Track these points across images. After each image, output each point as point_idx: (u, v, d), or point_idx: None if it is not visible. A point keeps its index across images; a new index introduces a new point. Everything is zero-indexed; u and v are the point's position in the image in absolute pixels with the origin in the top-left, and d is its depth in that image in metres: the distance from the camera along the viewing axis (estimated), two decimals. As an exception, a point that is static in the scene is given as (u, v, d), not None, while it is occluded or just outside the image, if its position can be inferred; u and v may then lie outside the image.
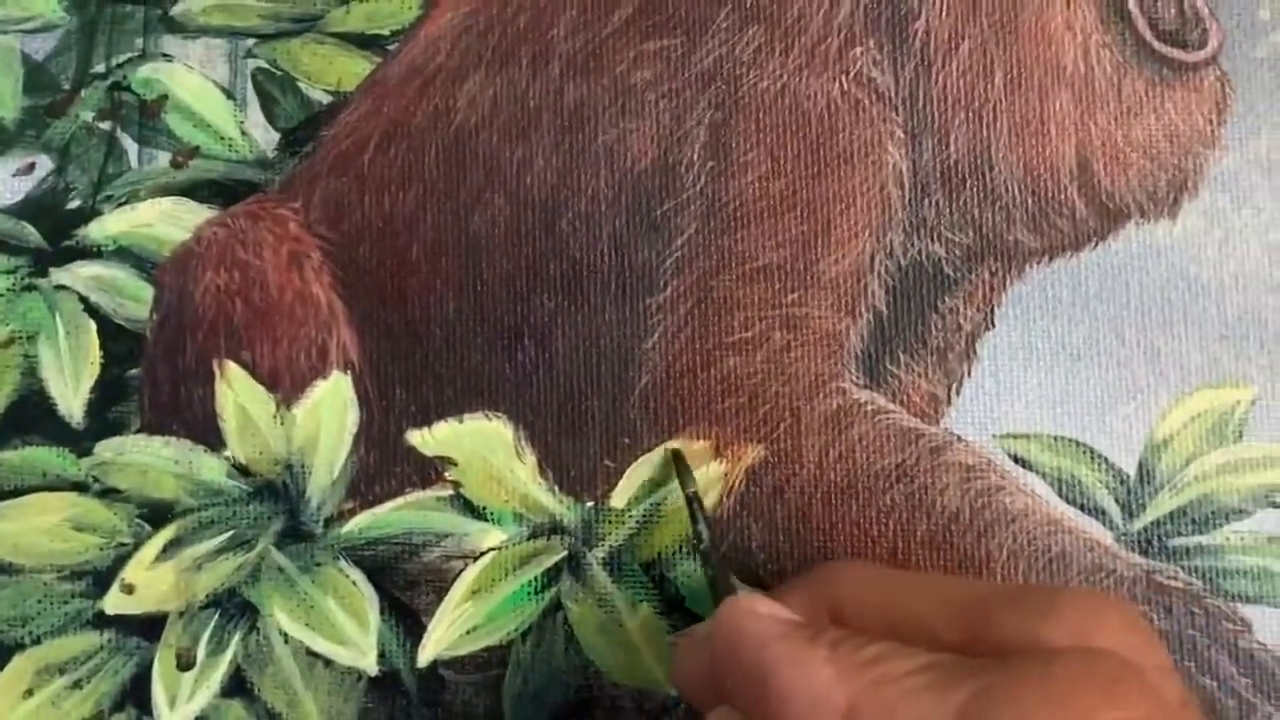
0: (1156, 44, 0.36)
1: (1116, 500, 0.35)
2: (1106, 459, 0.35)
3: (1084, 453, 0.35)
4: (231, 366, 0.35)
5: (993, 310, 0.36)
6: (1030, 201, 0.36)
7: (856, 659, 0.24)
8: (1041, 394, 0.35)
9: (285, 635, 0.34)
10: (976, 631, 0.25)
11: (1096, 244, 0.36)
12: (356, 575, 0.34)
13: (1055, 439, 0.35)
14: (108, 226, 0.36)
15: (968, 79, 0.36)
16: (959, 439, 0.35)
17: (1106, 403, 0.35)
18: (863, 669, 0.24)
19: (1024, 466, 0.35)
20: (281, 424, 0.35)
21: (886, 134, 0.36)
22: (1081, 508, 0.35)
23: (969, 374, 0.36)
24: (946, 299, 0.36)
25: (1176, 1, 0.36)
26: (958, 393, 0.36)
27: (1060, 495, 0.35)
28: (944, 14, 0.36)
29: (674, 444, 0.35)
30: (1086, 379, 0.35)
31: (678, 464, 0.33)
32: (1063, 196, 0.36)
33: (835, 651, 0.25)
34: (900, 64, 0.36)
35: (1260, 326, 0.35)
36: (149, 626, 0.34)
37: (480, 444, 0.35)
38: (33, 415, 0.35)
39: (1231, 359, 0.35)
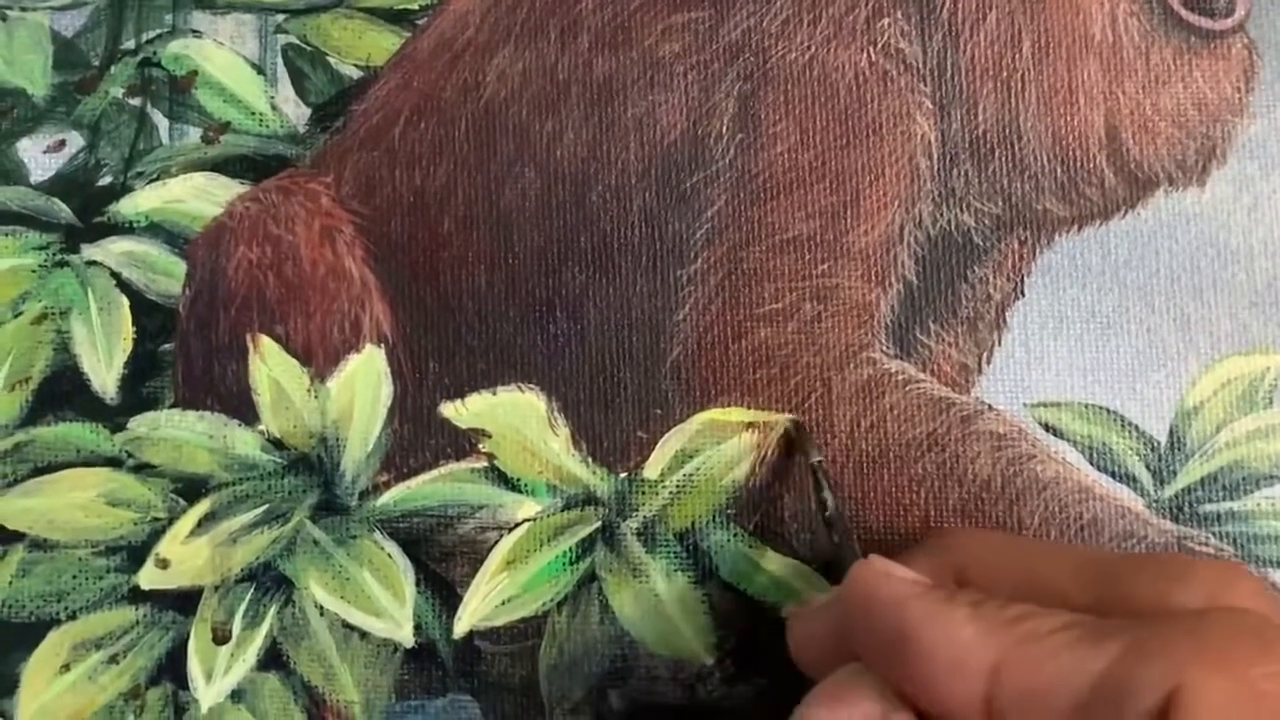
0: (1184, 12, 0.36)
1: (1147, 467, 0.35)
2: (1137, 426, 0.35)
3: (1115, 420, 0.35)
4: (265, 341, 0.35)
5: (1022, 279, 0.36)
6: (1059, 171, 0.36)
7: (1000, 617, 0.24)
8: (1072, 362, 0.35)
9: (321, 608, 0.34)
10: (1108, 593, 0.25)
11: (1126, 212, 0.36)
12: (392, 548, 0.34)
13: (1086, 407, 0.35)
14: (139, 202, 0.36)
15: (995, 49, 0.36)
16: (990, 408, 0.35)
17: (1137, 370, 0.35)
18: (1007, 627, 0.24)
19: (1055, 434, 0.35)
20: (315, 397, 0.35)
21: (915, 104, 0.36)
22: (1113, 475, 0.35)
23: (999, 343, 0.36)
24: (976, 268, 0.36)
25: (1203, -30, 0.37)
26: (988, 362, 0.36)
27: (1091, 463, 0.35)
28: (971, -16, 0.36)
29: (712, 412, 0.35)
30: (1116, 347, 0.35)
31: (799, 434, 0.33)
32: (1091, 165, 0.36)
33: (977, 610, 0.24)
34: (928, 34, 0.36)
35: (1289, 293, 0.36)
36: (184, 601, 0.34)
37: (514, 416, 0.35)
38: (66, 391, 0.35)
39: (1261, 325, 0.35)
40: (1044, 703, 0.23)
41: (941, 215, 0.36)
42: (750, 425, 0.35)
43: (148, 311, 0.36)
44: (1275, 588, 0.34)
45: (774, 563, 0.34)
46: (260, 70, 0.37)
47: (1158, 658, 0.22)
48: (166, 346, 0.36)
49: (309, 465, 0.35)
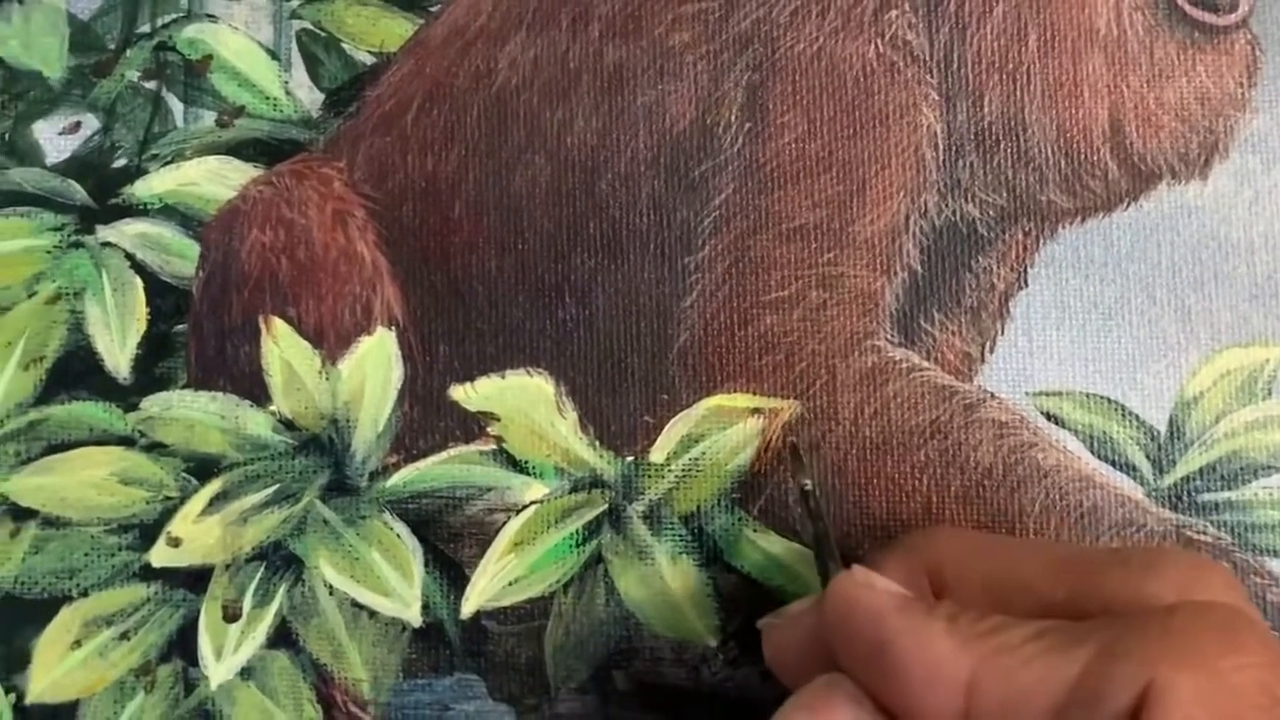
0: (1188, 7, 0.37)
1: (1147, 456, 0.35)
2: (1137, 416, 0.35)
3: (1115, 410, 0.36)
4: (277, 322, 0.36)
5: (1026, 270, 0.36)
6: (1063, 163, 0.36)
7: (974, 630, 0.25)
8: (1074, 352, 0.36)
9: (330, 587, 0.35)
10: (1080, 588, 0.26)
11: (1129, 204, 0.36)
12: (401, 528, 0.35)
13: (1087, 396, 0.36)
14: (154, 185, 0.37)
15: (1001, 42, 0.37)
16: (992, 396, 0.35)
17: (1138, 360, 0.36)
18: (981, 639, 0.24)
19: (1056, 423, 0.35)
20: (327, 379, 0.36)
21: (921, 96, 0.36)
22: (1113, 464, 0.35)
23: (1002, 332, 0.36)
24: (980, 258, 0.37)
25: (1207, -34, 0.37)
26: (991, 351, 0.36)
27: (1092, 451, 0.35)
28: (978, -22, 0.37)
29: (718, 398, 0.35)
30: (1118, 337, 0.36)
31: (794, 458, 0.33)
32: (1095, 158, 0.36)
33: (954, 624, 0.25)
34: (935, 27, 0.37)
35: (1289, 286, 0.36)
36: (195, 579, 0.35)
37: (522, 399, 0.35)
38: (80, 371, 0.36)
39: (1261, 318, 0.36)
40: (1021, 712, 0.23)
41: (946, 205, 0.36)
42: (755, 411, 0.35)
43: (161, 293, 0.36)
44: (1273, 576, 0.35)
45: (778, 546, 0.35)
46: (275, 55, 0.38)
47: (1128, 658, 0.22)
48: (180, 327, 0.36)
49: (320, 446, 0.35)
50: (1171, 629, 0.23)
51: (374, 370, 0.36)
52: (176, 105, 0.37)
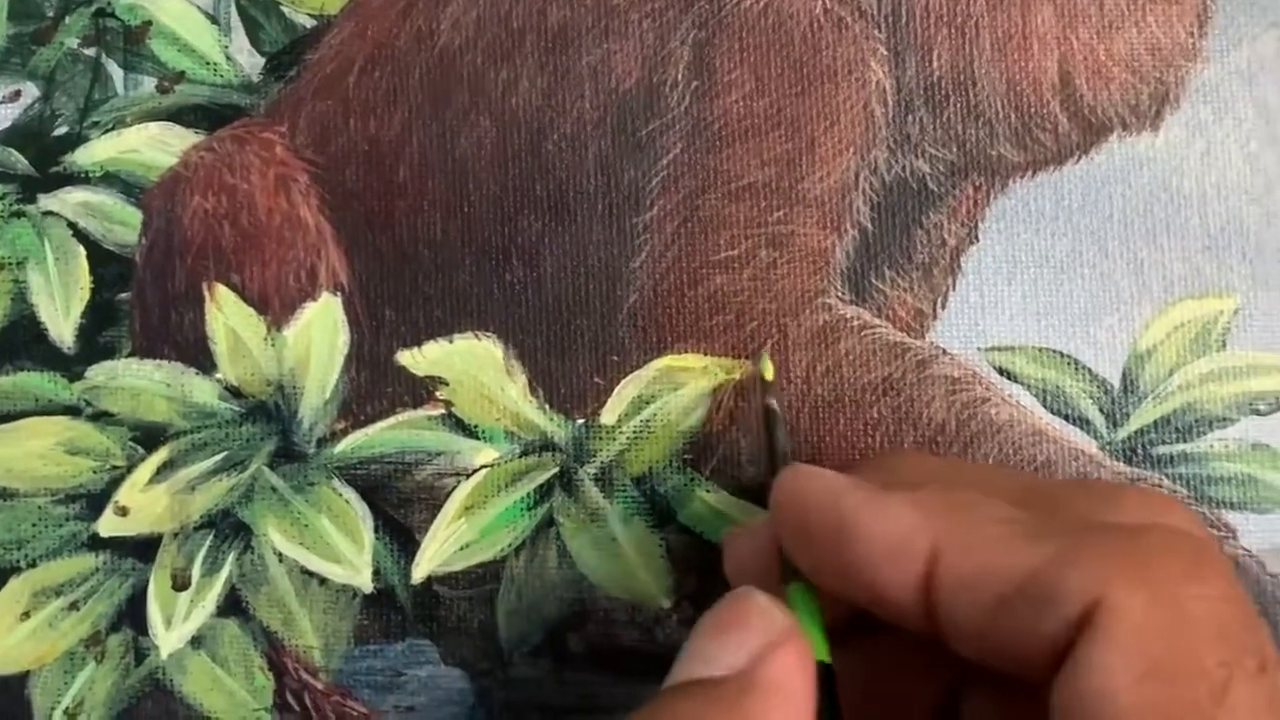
0: (1137, -43, 0.36)
1: (1101, 410, 0.35)
2: (1090, 370, 0.35)
3: (1068, 364, 0.35)
4: (221, 289, 0.36)
5: (977, 225, 0.36)
6: (1013, 116, 0.36)
7: (940, 501, 0.24)
8: (1025, 307, 0.36)
9: (280, 555, 0.34)
10: (1045, 511, 0.25)
11: (1079, 157, 0.36)
12: (350, 494, 0.35)
13: (1039, 351, 0.35)
14: (95, 152, 0.36)
15: (950, -5, 0.36)
16: (944, 352, 0.35)
17: (1090, 314, 0.36)
18: (947, 511, 0.24)
19: (1009, 378, 0.35)
20: (272, 346, 0.35)
21: (869, 51, 0.36)
22: (1066, 418, 0.35)
23: (954, 288, 0.36)
24: (931, 214, 0.36)
25: (1157, -85, 0.37)
26: (943, 307, 0.36)
27: (1045, 406, 0.35)
28: (926, -69, 0.36)
29: (668, 358, 0.35)
30: (1070, 291, 0.36)
31: (763, 381, 0.33)
32: (1045, 111, 0.36)
33: (917, 495, 0.24)
34: (883, -19, 0.36)
35: (1242, 236, 0.36)
36: (144, 548, 0.35)
37: (470, 363, 0.35)
38: (23, 340, 0.36)
39: (1214, 269, 0.36)
40: (975, 590, 0.22)
41: (896, 162, 0.36)
42: (706, 370, 0.35)
43: (104, 261, 0.36)
44: (1229, 528, 0.35)
45: (731, 505, 0.34)
46: (214, 20, 0.37)
47: (1085, 565, 0.22)
48: (123, 296, 0.36)
49: (266, 413, 0.35)
50: (1135, 546, 0.22)
51: (320, 336, 0.35)
52: (116, 72, 0.37)
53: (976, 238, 0.36)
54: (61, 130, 0.37)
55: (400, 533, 0.35)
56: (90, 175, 0.36)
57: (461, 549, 0.34)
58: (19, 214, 0.36)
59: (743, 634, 0.24)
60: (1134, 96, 0.36)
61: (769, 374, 0.33)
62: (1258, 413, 0.35)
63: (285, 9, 0.37)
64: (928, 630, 0.24)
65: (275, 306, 0.36)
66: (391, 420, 0.35)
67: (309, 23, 0.37)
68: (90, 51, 0.37)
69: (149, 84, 0.37)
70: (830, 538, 0.24)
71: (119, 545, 0.35)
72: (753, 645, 0.24)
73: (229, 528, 0.35)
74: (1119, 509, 0.24)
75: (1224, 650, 0.21)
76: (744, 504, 0.34)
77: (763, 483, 0.32)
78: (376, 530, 0.35)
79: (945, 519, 0.23)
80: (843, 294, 0.36)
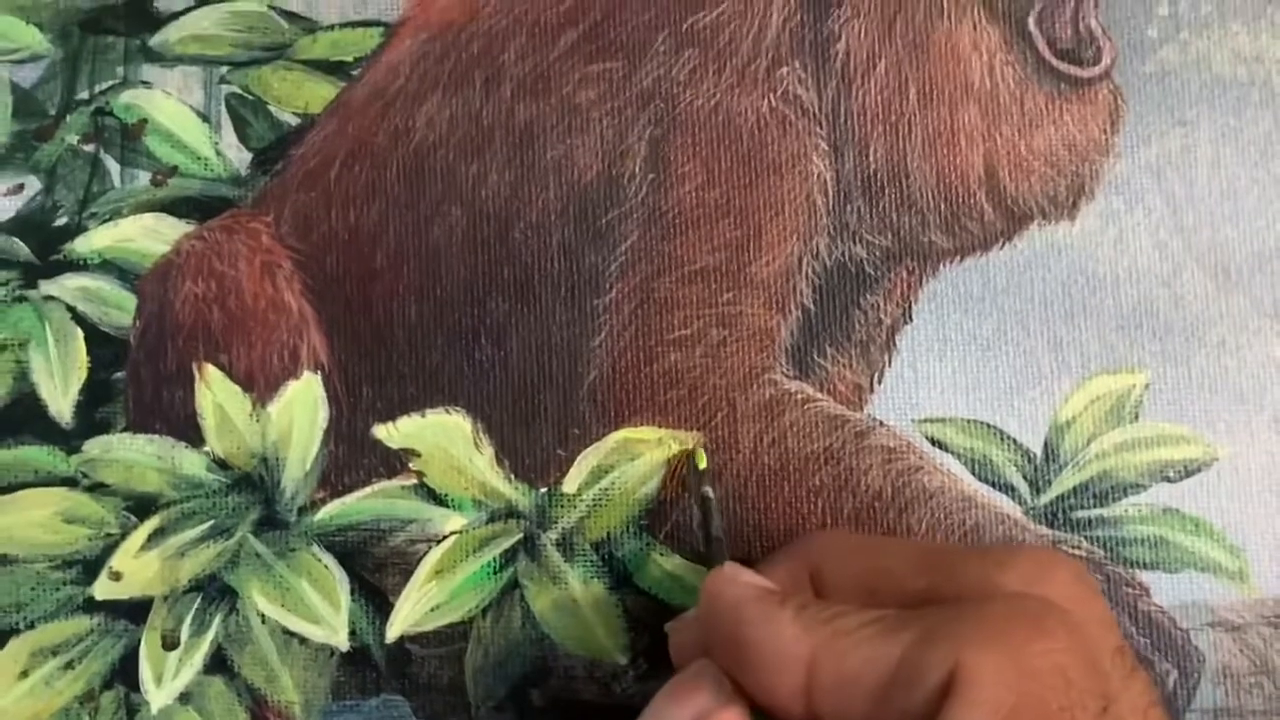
0: (1055, 61, 0.39)
1: (1025, 477, 0.38)
2: (1015, 440, 0.38)
3: (994, 434, 0.38)
4: (210, 369, 0.38)
5: (910, 306, 0.39)
6: (943, 206, 0.39)
7: (817, 616, 0.27)
8: (955, 381, 0.38)
9: (263, 616, 0.37)
10: (940, 579, 0.28)
11: (1004, 244, 0.39)
12: (328, 559, 0.37)
13: (968, 422, 0.38)
14: (93, 241, 0.39)
15: (884, 95, 0.39)
16: (881, 424, 0.38)
17: (1014, 388, 0.38)
18: (822, 624, 0.27)
19: (940, 448, 0.38)
20: (257, 421, 0.38)
21: (812, 146, 0.39)
22: (993, 485, 0.38)
23: (889, 364, 0.39)
24: (868, 296, 0.39)
25: (1073, 22, 0.40)
26: (879, 381, 0.39)
27: (974, 474, 0.38)
28: (862, 36, 0.40)
29: (625, 431, 0.38)
30: (996, 367, 0.39)
31: (694, 471, 0.36)
32: (972, 201, 0.39)
33: (800, 612, 0.27)
34: (823, 82, 0.39)
35: (1152, 316, 0.39)
36: (136, 610, 0.37)
37: (441, 436, 0.38)
38: (25, 416, 0.38)
39: (1127, 347, 0.39)
40: (851, 689, 0.25)
41: (836, 247, 0.39)
42: (661, 442, 0.38)
43: (101, 343, 0.38)
44: (1143, 586, 0.38)
45: (683, 568, 0.37)
46: (205, 118, 0.40)
47: (941, 641, 0.25)
48: (118, 375, 0.38)
49: (251, 484, 0.38)
50: (984, 616, 0.25)
51: (301, 412, 0.38)
52: (114, 166, 0.40)
53: (910, 317, 0.39)
54: (62, 220, 0.39)
55: (375, 595, 0.37)
56: (88, 262, 0.39)
57: (432, 610, 0.37)
58: (21, 299, 0.39)
59: (695, 696, 0.28)
60: (1053, 188, 0.39)
61: (702, 463, 0.36)
62: (1168, 479, 0.38)
63: (272, 108, 0.40)
64: None
65: (260, 384, 0.38)
66: (367, 490, 0.38)
67: (294, 121, 0.40)
68: (89, 148, 0.40)
69: (144, 178, 0.40)
70: (732, 643, 0.28)
71: (113, 608, 0.37)
72: (703, 704, 0.28)
73: (216, 591, 0.37)
74: (1010, 570, 0.27)
75: (1066, 695, 0.24)
76: (694, 566, 0.37)
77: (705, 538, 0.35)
78: (353, 593, 0.37)
79: (822, 629, 0.27)
80: (787, 370, 0.38)
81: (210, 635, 0.37)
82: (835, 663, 0.26)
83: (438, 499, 0.37)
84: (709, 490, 0.35)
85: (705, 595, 0.30)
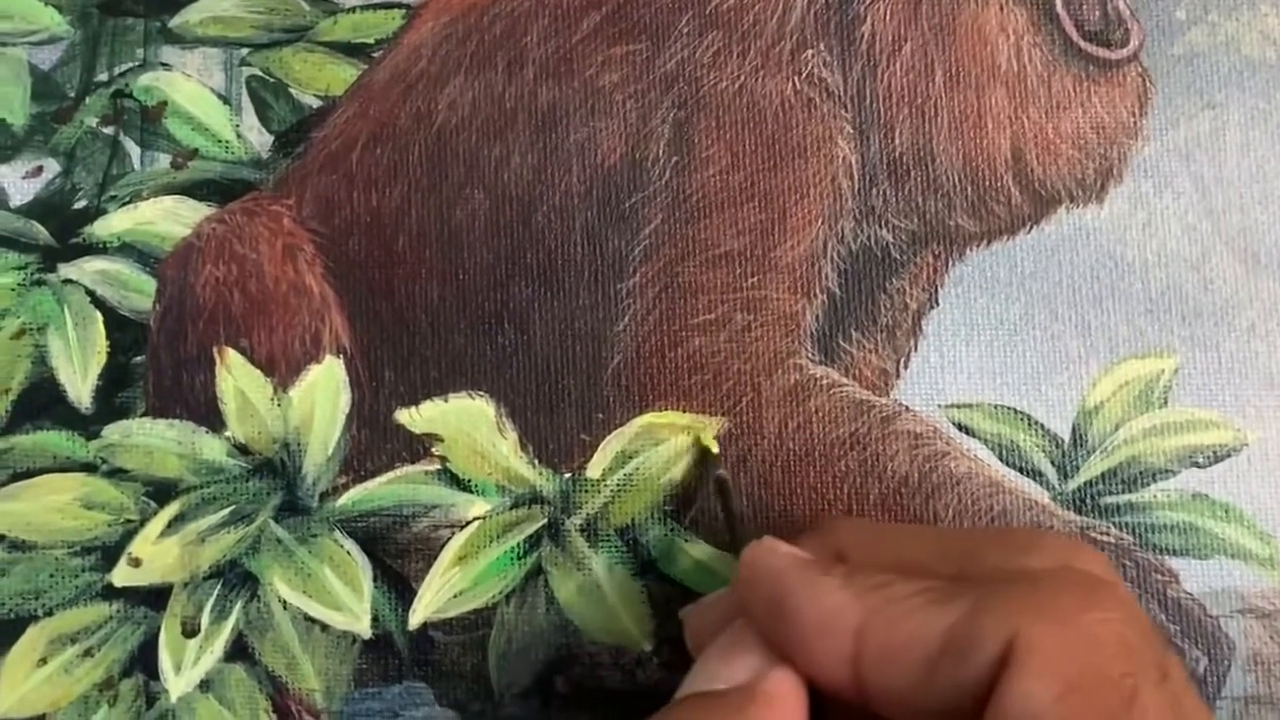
0: (1083, 43, 0.39)
1: (1052, 463, 0.38)
2: (1043, 425, 0.38)
3: (1022, 420, 0.38)
4: (231, 353, 0.38)
5: (936, 290, 0.39)
6: (969, 190, 0.39)
7: (865, 584, 0.27)
8: (982, 366, 0.38)
9: (284, 602, 0.37)
10: (966, 566, 0.28)
11: (1031, 228, 0.39)
12: (350, 545, 0.37)
13: (995, 407, 0.38)
14: (112, 224, 0.39)
15: (910, 78, 0.39)
16: (907, 409, 0.38)
17: (1042, 373, 0.38)
18: (872, 591, 0.26)
19: (967, 433, 0.38)
20: (278, 406, 0.38)
21: (837, 129, 0.39)
22: (1020, 470, 0.38)
23: (915, 349, 0.39)
24: (894, 280, 0.39)
25: (1100, 4, 0.40)
26: (905, 367, 0.38)
27: (1001, 459, 0.38)
28: (888, 18, 0.39)
29: (650, 416, 0.37)
30: (1023, 352, 0.38)
31: (704, 455, 0.36)
32: (999, 185, 0.39)
33: (847, 579, 0.27)
34: (848, 65, 0.39)
35: (1181, 300, 0.39)
36: (155, 597, 0.37)
37: (465, 421, 0.37)
38: (44, 401, 0.38)
39: (1156, 331, 0.38)
40: (902, 657, 0.25)
41: (862, 231, 0.39)
42: (686, 428, 0.37)
43: (120, 327, 0.38)
44: (1172, 573, 0.37)
45: (707, 554, 0.37)
46: (226, 100, 0.40)
47: (996, 612, 0.24)
48: (138, 359, 0.38)
49: (272, 469, 0.37)
50: (1038, 588, 0.25)
51: (323, 396, 0.38)
52: (133, 149, 0.39)
53: (936, 302, 0.39)
54: (81, 204, 0.39)
55: (398, 581, 0.37)
56: (108, 246, 0.39)
57: (455, 596, 0.37)
58: (40, 282, 0.38)
59: (746, 657, 0.28)
60: (1080, 171, 0.39)
61: (714, 448, 0.36)
62: (1197, 465, 0.38)
63: (293, 90, 0.40)
64: (860, 702, 0.26)
65: (281, 369, 0.38)
66: (390, 475, 0.37)
67: (315, 103, 0.40)
68: (109, 130, 0.39)
69: (164, 160, 0.39)
70: (775, 611, 0.27)
71: (132, 594, 0.37)
72: (754, 664, 0.27)
73: (236, 577, 0.37)
74: (1037, 555, 0.27)
75: (1128, 663, 0.24)
76: (719, 553, 0.37)
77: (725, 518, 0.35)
78: (375, 579, 0.37)
79: (871, 596, 0.26)
80: (812, 355, 0.38)
81: (230, 622, 0.36)
82: (885, 631, 0.25)
83: (461, 484, 0.37)
84: (723, 472, 0.34)
85: (744, 566, 0.29)
